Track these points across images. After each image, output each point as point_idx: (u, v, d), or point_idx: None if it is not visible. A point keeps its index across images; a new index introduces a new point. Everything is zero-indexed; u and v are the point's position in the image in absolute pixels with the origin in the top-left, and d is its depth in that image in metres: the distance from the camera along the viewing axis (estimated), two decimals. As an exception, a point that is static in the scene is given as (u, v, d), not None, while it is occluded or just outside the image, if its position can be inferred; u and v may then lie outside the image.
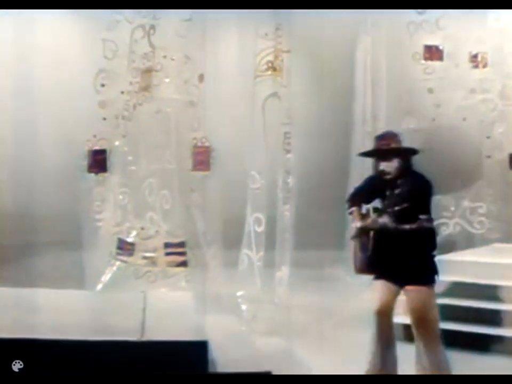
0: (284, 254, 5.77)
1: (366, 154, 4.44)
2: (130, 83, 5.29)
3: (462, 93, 6.44)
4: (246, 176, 5.32)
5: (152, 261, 5.38)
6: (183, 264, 5.36)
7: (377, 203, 4.21)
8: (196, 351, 2.60)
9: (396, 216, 4.02)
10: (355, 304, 6.00)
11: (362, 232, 4.14)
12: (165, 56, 5.07)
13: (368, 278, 6.61)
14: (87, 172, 5.43)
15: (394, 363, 4.23)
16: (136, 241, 5.48)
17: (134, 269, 5.51)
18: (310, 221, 6.79)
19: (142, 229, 5.49)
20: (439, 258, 5.71)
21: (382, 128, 6.63)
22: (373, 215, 4.08)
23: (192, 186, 5.25)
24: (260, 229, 5.43)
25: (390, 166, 4.08)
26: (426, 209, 4.07)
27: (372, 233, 4.11)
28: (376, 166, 4.20)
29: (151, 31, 5.11)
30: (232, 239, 5.42)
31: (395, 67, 6.48)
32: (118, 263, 5.73)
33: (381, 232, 4.08)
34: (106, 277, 5.68)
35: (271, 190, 5.53)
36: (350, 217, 4.26)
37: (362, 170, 6.70)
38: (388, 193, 4.15)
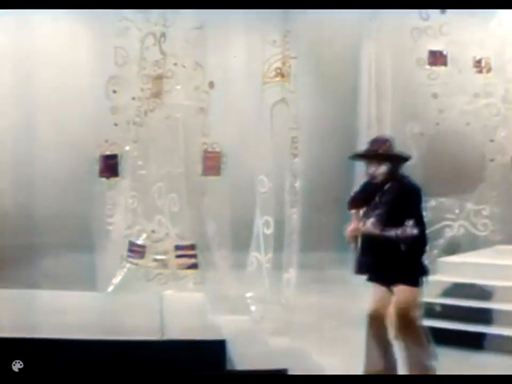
0: (291, 256, 5.89)
1: (355, 157, 4.56)
2: (142, 89, 5.39)
3: (466, 97, 6.55)
4: (254, 180, 5.46)
5: (163, 263, 5.47)
6: (194, 266, 5.46)
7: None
8: (215, 349, 2.72)
9: (380, 221, 4.12)
10: (360, 304, 6.11)
11: (353, 236, 4.27)
12: (175, 64, 5.17)
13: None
14: (98, 176, 5.54)
15: (392, 365, 4.29)
16: (147, 243, 5.56)
17: (145, 271, 5.61)
18: (314, 223, 6.89)
19: (153, 231, 5.59)
20: (443, 260, 5.86)
21: (386, 132, 6.83)
22: (362, 219, 4.20)
23: (203, 191, 5.36)
24: (269, 232, 5.56)
25: (377, 171, 4.19)
26: (413, 215, 4.08)
27: (359, 236, 4.25)
28: (366, 170, 4.30)
29: (162, 39, 5.22)
30: (241, 241, 5.55)
31: (400, 72, 6.58)
32: (128, 265, 5.85)
33: (367, 235, 4.19)
34: (117, 279, 5.80)
35: (279, 193, 5.66)
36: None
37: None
38: (377, 198, 4.25)
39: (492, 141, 6.67)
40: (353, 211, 4.33)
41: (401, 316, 4.14)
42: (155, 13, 5.29)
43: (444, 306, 5.04)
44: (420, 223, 4.13)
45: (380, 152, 4.22)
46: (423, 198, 4.29)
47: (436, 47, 6.48)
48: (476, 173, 6.67)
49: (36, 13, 6.41)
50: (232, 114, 5.45)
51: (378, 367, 4.23)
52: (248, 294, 5.52)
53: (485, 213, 6.73)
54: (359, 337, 5.07)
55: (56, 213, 6.31)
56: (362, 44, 6.80)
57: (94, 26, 6.01)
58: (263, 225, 5.57)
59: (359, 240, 4.28)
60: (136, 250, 5.66)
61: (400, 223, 4.05)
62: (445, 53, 6.47)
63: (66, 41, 6.66)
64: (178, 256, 5.48)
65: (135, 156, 5.63)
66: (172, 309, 3.37)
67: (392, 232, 4.06)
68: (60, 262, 6.32)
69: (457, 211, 6.76)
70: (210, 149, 5.29)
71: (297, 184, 5.85)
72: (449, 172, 6.60)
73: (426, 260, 4.42)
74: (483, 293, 5.25)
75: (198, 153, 5.31)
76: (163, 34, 5.21)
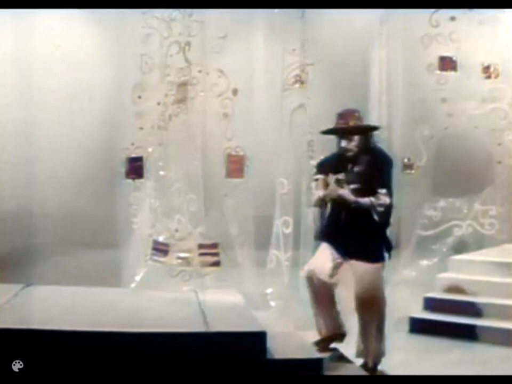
0: (307, 253, 6.14)
1: (327, 132, 4.66)
2: (166, 95, 5.61)
3: (474, 102, 6.75)
4: (275, 182, 5.71)
5: (187, 261, 5.70)
6: (216, 264, 5.67)
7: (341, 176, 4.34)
8: (256, 340, 2.96)
9: (354, 190, 4.22)
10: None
11: (322, 201, 4.38)
12: (200, 71, 5.40)
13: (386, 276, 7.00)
14: (125, 178, 5.76)
15: (338, 325, 4.40)
16: (171, 242, 5.78)
17: (169, 269, 5.85)
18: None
19: (176, 231, 5.81)
20: (453, 258, 6.10)
21: (397, 136, 7.07)
22: (333, 185, 4.27)
23: (226, 192, 5.60)
24: (288, 231, 5.81)
25: (350, 144, 4.32)
26: (385, 184, 4.20)
27: (329, 203, 4.34)
28: (338, 144, 4.44)
29: (187, 48, 5.45)
30: (262, 240, 5.79)
31: (410, 78, 6.80)
32: (150, 262, 6.08)
33: (338, 203, 4.27)
34: (141, 276, 6.04)
35: (297, 194, 5.90)
36: (314, 184, 4.48)
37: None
38: (349, 168, 4.35)
39: (499, 144, 6.89)
40: (319, 176, 4.42)
41: (367, 296, 4.17)
42: (179, 22, 5.54)
43: (456, 302, 5.29)
44: (390, 194, 4.21)
45: (351, 125, 4.37)
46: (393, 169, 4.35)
47: (445, 53, 6.68)
48: (483, 174, 6.88)
49: (61, 20, 6.68)
50: (254, 120, 5.68)
51: (325, 329, 4.32)
52: (268, 290, 5.79)
53: (492, 213, 6.93)
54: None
55: (83, 213, 6.55)
56: (373, 50, 7.03)
57: (119, 33, 6.21)
58: (282, 225, 5.83)
59: (328, 206, 4.36)
60: (160, 249, 5.88)
61: (372, 193, 4.16)
62: (454, 59, 6.68)
63: (91, 48, 6.89)
64: (202, 255, 5.69)
65: (160, 158, 5.87)
66: (210, 303, 3.61)
67: (367, 200, 4.15)
68: (86, 260, 6.55)
69: (465, 211, 6.97)
70: (233, 153, 5.52)
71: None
72: (457, 174, 6.81)
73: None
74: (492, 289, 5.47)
75: (222, 156, 5.55)
76: (188, 43, 5.42)
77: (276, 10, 5.59)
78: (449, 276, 5.70)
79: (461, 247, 6.85)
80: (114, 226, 5.88)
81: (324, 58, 6.14)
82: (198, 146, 5.67)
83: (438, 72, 6.72)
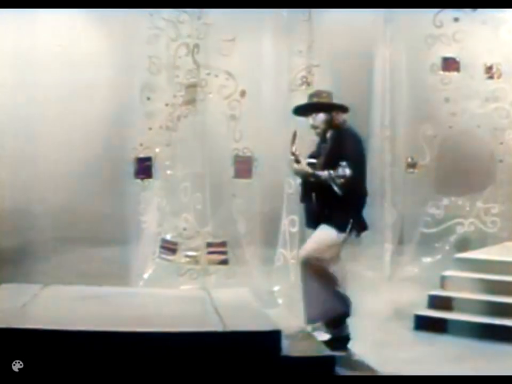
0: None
1: (296, 112, 4.82)
2: (174, 96, 5.71)
3: (477, 101, 6.85)
4: (282, 182, 5.80)
5: (195, 260, 5.80)
6: (224, 262, 5.79)
7: None
8: (272, 338, 3.05)
9: (321, 165, 4.37)
10: (376, 297, 6.44)
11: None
12: (208, 73, 5.50)
13: (387, 272, 7.08)
14: (134, 177, 5.85)
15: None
16: (179, 241, 5.88)
17: (177, 267, 5.94)
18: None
19: (185, 229, 5.92)
20: (457, 256, 6.18)
21: (401, 135, 7.16)
22: (303, 162, 4.46)
23: (234, 192, 5.70)
24: (294, 230, 5.92)
25: (316, 121, 4.51)
26: (348, 157, 4.28)
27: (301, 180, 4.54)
28: (310, 123, 4.61)
29: (195, 50, 5.54)
30: (269, 239, 5.90)
31: (414, 78, 6.90)
32: (158, 260, 6.17)
33: (306, 179, 4.46)
34: (149, 274, 6.13)
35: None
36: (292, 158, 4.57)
37: (380, 171, 7.21)
38: (317, 144, 4.59)
39: (501, 143, 6.99)
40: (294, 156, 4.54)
41: (309, 256, 4.33)
42: (188, 25, 5.62)
43: (461, 300, 5.37)
44: (357, 168, 4.28)
45: (315, 101, 4.56)
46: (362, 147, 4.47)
47: (449, 53, 6.78)
48: (485, 173, 6.98)
49: (71, 21, 6.76)
50: (262, 121, 5.77)
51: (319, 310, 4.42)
52: (276, 288, 5.89)
53: (494, 211, 7.05)
54: (376, 328, 5.47)
55: (93, 212, 6.66)
56: (377, 50, 7.12)
57: (127, 34, 6.29)
58: (289, 224, 5.94)
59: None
60: (168, 247, 5.98)
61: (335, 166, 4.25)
62: (457, 59, 6.78)
63: (97, 48, 6.98)
64: (210, 253, 5.80)
65: (166, 157, 5.96)
66: (222, 302, 3.69)
67: (326, 172, 4.28)
68: (95, 258, 6.66)
69: (468, 209, 7.08)
70: (241, 154, 5.62)
71: (317, 184, 6.20)
72: (460, 172, 6.91)
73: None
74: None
75: (230, 157, 5.65)
76: (196, 45, 5.52)
77: (283, 12, 5.68)
78: (453, 273, 5.79)
79: (463, 244, 6.96)
80: (122, 225, 5.98)
81: (329, 60, 6.24)
82: (205, 146, 5.77)
83: (441, 72, 6.82)
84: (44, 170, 6.91)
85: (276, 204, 5.89)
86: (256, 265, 5.84)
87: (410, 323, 5.59)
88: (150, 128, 5.77)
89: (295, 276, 5.84)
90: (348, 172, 4.22)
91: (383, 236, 7.24)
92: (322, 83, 6.05)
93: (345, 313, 4.57)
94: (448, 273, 5.83)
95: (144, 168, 5.82)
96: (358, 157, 4.39)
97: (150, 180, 5.87)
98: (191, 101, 5.58)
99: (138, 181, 5.84)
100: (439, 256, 7.05)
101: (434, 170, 6.97)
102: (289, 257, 5.88)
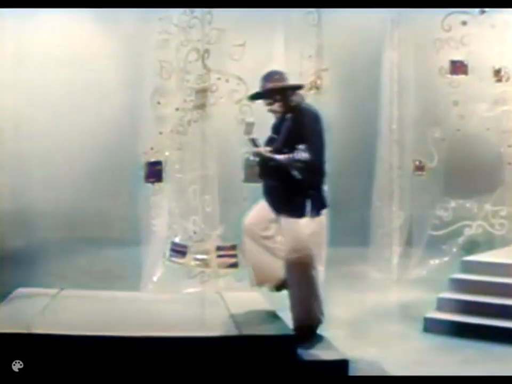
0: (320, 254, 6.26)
1: (251, 99, 4.81)
2: (185, 101, 5.73)
3: (485, 105, 6.89)
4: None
5: (205, 263, 5.82)
6: (234, 265, 5.79)
7: None
8: (287, 343, 3.09)
9: (276, 145, 4.35)
10: (383, 299, 6.48)
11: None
12: (219, 78, 5.53)
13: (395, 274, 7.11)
14: (144, 181, 5.87)
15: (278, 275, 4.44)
16: (189, 244, 5.91)
17: (186, 270, 5.97)
18: (336, 221, 7.26)
19: (195, 232, 5.94)
20: (465, 259, 6.20)
21: (409, 138, 7.19)
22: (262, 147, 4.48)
23: (245, 196, 5.72)
24: (303, 233, 5.93)
25: (273, 105, 4.45)
26: (304, 139, 4.22)
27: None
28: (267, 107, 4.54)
29: (206, 55, 5.57)
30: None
31: (422, 81, 6.95)
32: (167, 263, 6.20)
33: (263, 162, 4.45)
34: (158, 277, 6.17)
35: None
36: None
37: (388, 174, 7.24)
38: (278, 128, 4.51)
39: (509, 146, 7.03)
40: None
41: (289, 250, 4.26)
42: (198, 29, 5.64)
43: (470, 302, 5.40)
44: (315, 151, 4.23)
45: (270, 86, 4.45)
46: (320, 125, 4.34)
47: (457, 57, 6.83)
48: (494, 175, 7.03)
49: (81, 26, 6.82)
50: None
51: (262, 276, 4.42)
52: (285, 291, 5.90)
53: (502, 213, 7.09)
54: (383, 329, 5.49)
55: (105, 214, 6.72)
56: (385, 54, 7.16)
57: (137, 39, 6.34)
58: (298, 227, 5.95)
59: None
60: (178, 250, 6.01)
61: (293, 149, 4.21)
62: (465, 63, 6.82)
63: (105, 50, 7.05)
64: (220, 256, 5.82)
65: (176, 161, 5.99)
66: (236, 306, 3.72)
67: (284, 156, 4.23)
68: (106, 260, 6.72)
69: (476, 211, 7.12)
70: (251, 158, 5.65)
71: (326, 188, 6.24)
72: (468, 175, 6.97)
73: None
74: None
75: (240, 161, 5.67)
76: (207, 51, 5.53)
77: (293, 16, 5.72)
78: (462, 276, 5.82)
79: (471, 247, 6.99)
80: (132, 227, 6.04)
81: (338, 64, 6.29)
82: (215, 150, 5.80)
83: (450, 75, 6.84)
84: (55, 173, 6.98)
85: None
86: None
87: (419, 325, 5.61)
88: (161, 133, 5.80)
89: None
90: (306, 156, 4.16)
91: (391, 238, 7.31)
92: (331, 87, 6.12)
93: (320, 321, 4.44)
94: (457, 275, 5.85)
95: (154, 172, 5.83)
96: (317, 137, 4.32)
97: (161, 184, 5.90)
98: (201, 106, 5.59)
99: (149, 184, 5.88)
100: (446, 259, 7.10)
101: (442, 173, 7.01)
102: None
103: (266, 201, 4.56)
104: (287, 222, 4.32)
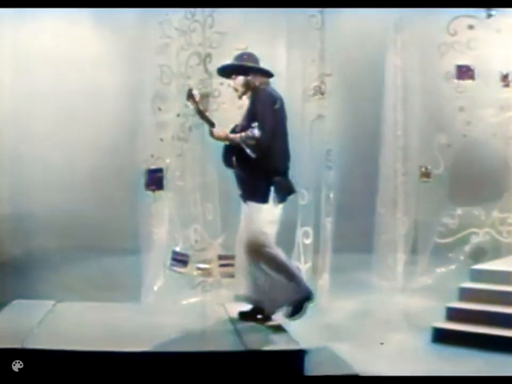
0: (325, 262, 6.15)
1: (219, 72, 4.77)
2: (186, 106, 5.62)
3: (492, 110, 6.78)
4: (296, 193, 5.70)
5: (207, 272, 5.72)
6: (236, 274, 5.71)
7: None
8: (295, 358, 2.95)
9: (236, 128, 4.36)
10: (388, 308, 6.35)
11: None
12: (221, 83, 5.43)
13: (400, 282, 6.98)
14: (145, 189, 5.76)
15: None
16: (190, 253, 5.81)
17: (188, 279, 5.86)
18: (341, 228, 7.15)
19: (196, 241, 5.84)
20: (475, 268, 6.07)
21: (414, 144, 7.07)
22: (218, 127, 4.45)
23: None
24: (308, 241, 5.85)
25: (234, 83, 4.50)
26: (256, 117, 4.25)
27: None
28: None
29: (207, 59, 5.48)
30: (283, 250, 5.80)
31: (428, 86, 6.83)
32: (167, 271, 6.07)
33: (226, 146, 4.42)
34: (159, 286, 6.05)
35: (317, 205, 5.91)
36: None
37: (393, 180, 7.13)
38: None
39: (516, 151, 6.96)
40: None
41: (242, 237, 4.35)
42: (199, 33, 5.55)
43: (480, 312, 5.27)
44: (266, 129, 4.21)
45: (231, 63, 4.53)
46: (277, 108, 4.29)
47: (463, 61, 6.72)
48: (501, 182, 6.91)
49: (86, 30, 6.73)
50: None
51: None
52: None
53: (510, 220, 6.98)
54: (389, 337, 5.36)
55: (105, 222, 6.62)
56: (389, 58, 7.05)
57: (137, 44, 6.24)
58: (302, 236, 5.86)
59: None
60: (179, 259, 5.90)
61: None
62: (472, 67, 6.71)
63: (104, 55, 6.95)
64: (222, 265, 5.72)
65: (176, 168, 5.88)
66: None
67: (237, 135, 4.27)
68: (106, 269, 6.60)
69: (483, 218, 7.01)
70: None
71: (332, 195, 6.15)
72: (475, 182, 6.84)
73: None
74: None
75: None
76: (208, 55, 5.45)
77: (296, 20, 5.62)
78: (471, 285, 5.68)
79: (478, 255, 6.87)
80: (133, 236, 5.91)
81: (341, 68, 6.18)
82: (217, 157, 5.69)
83: (456, 80, 6.73)
84: (55, 179, 6.88)
85: (289, 215, 5.78)
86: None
87: (427, 335, 5.48)
88: (162, 139, 5.70)
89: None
90: (256, 132, 4.19)
91: (396, 245, 7.17)
92: (334, 92, 6.01)
93: (307, 297, 4.35)
94: (466, 284, 5.72)
95: (155, 179, 5.74)
96: (268, 116, 4.30)
97: (162, 192, 5.79)
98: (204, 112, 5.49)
99: (150, 192, 5.76)
100: (453, 267, 6.97)
101: (448, 180, 6.89)
102: (303, 269, 5.79)
103: (238, 189, 4.53)
104: (251, 207, 4.34)
